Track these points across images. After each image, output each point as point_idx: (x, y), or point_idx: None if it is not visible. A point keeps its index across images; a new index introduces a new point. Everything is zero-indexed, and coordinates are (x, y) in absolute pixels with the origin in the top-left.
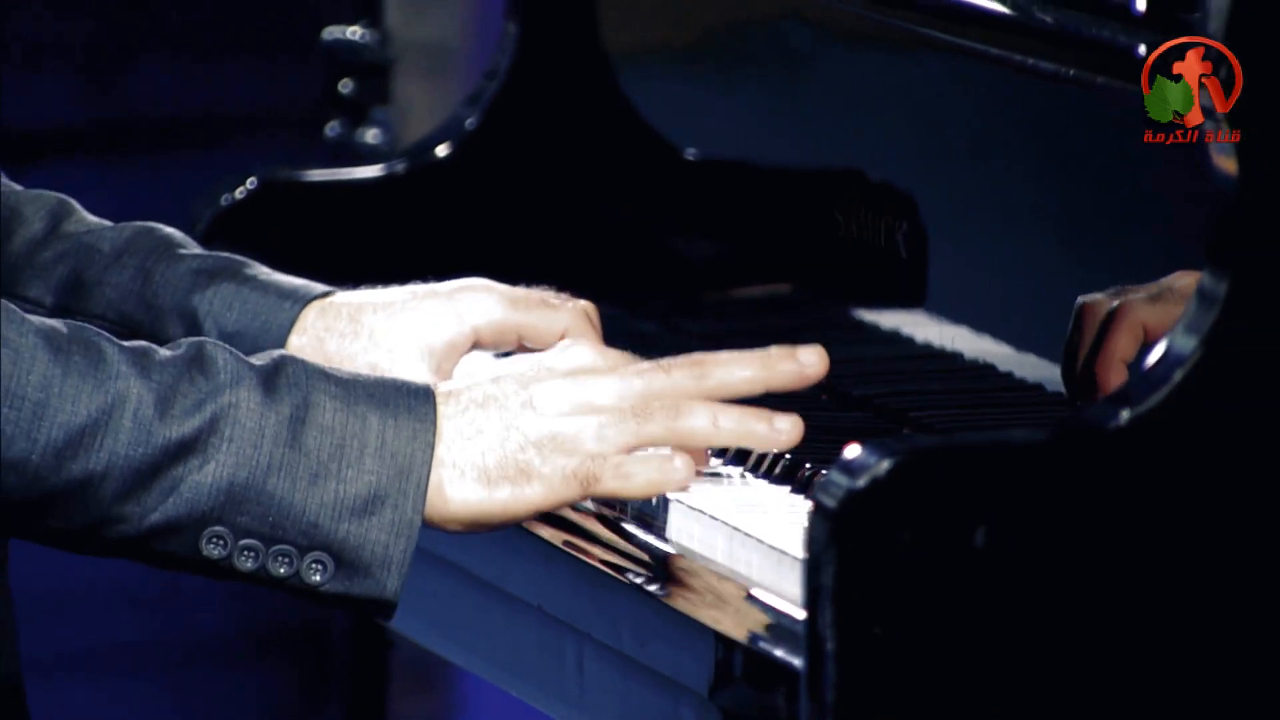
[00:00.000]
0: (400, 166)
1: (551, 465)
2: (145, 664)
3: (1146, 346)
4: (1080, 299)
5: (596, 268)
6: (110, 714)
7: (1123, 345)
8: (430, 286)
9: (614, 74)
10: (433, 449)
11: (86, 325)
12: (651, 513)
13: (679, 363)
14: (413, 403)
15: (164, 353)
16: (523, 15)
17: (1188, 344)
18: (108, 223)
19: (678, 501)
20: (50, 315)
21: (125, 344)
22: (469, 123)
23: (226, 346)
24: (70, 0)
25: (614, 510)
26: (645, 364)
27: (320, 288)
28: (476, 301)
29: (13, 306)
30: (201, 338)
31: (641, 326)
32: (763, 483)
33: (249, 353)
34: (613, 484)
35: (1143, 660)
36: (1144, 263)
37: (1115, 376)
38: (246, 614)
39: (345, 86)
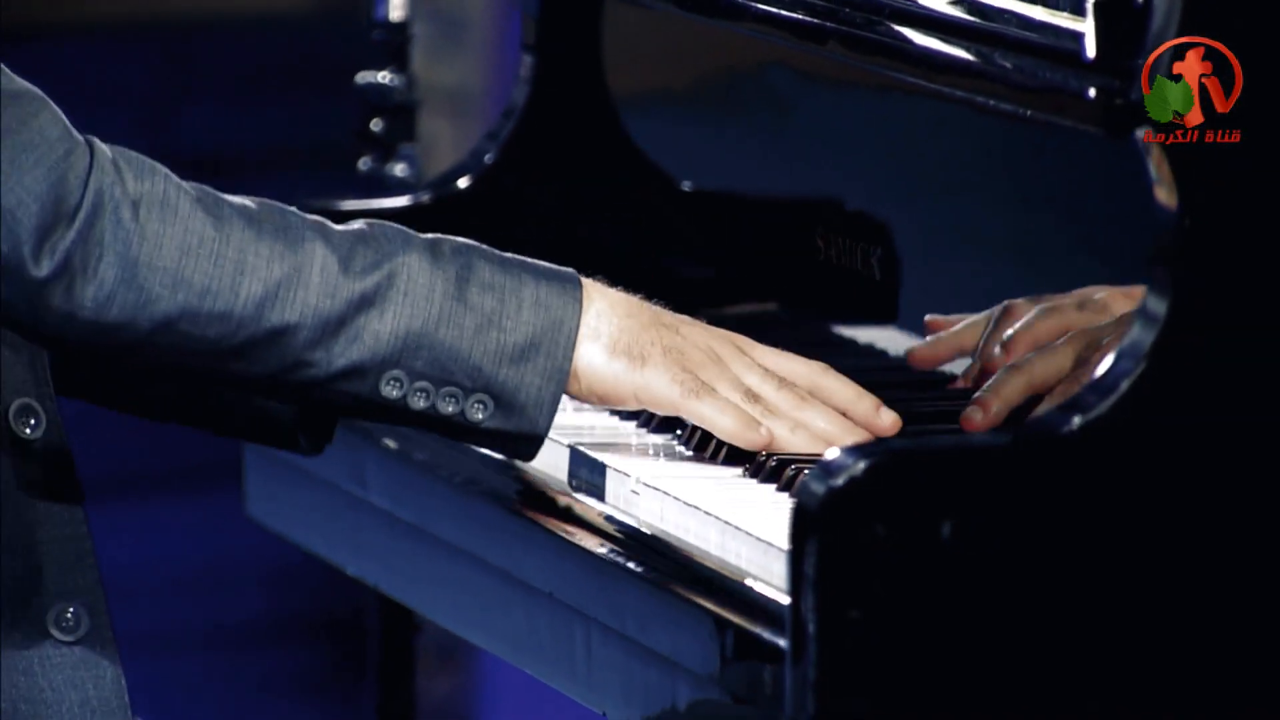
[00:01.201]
0: (425, 196)
1: (667, 365)
2: (199, 645)
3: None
4: (1007, 302)
5: None
6: (168, 691)
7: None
8: None
9: (617, 113)
10: (580, 306)
11: (272, 201)
12: (652, 509)
13: (794, 389)
14: (562, 272)
15: (336, 226)
16: (535, 62)
17: (1133, 358)
18: None
19: (674, 498)
20: None
21: (308, 215)
22: (487, 157)
23: (393, 224)
24: (128, 48)
25: (618, 507)
26: (779, 371)
27: None
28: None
29: (209, 188)
30: (367, 219)
31: None
32: (752, 481)
33: None
34: (707, 409)
35: (1089, 638)
36: (1090, 283)
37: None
38: (289, 600)
39: (376, 125)
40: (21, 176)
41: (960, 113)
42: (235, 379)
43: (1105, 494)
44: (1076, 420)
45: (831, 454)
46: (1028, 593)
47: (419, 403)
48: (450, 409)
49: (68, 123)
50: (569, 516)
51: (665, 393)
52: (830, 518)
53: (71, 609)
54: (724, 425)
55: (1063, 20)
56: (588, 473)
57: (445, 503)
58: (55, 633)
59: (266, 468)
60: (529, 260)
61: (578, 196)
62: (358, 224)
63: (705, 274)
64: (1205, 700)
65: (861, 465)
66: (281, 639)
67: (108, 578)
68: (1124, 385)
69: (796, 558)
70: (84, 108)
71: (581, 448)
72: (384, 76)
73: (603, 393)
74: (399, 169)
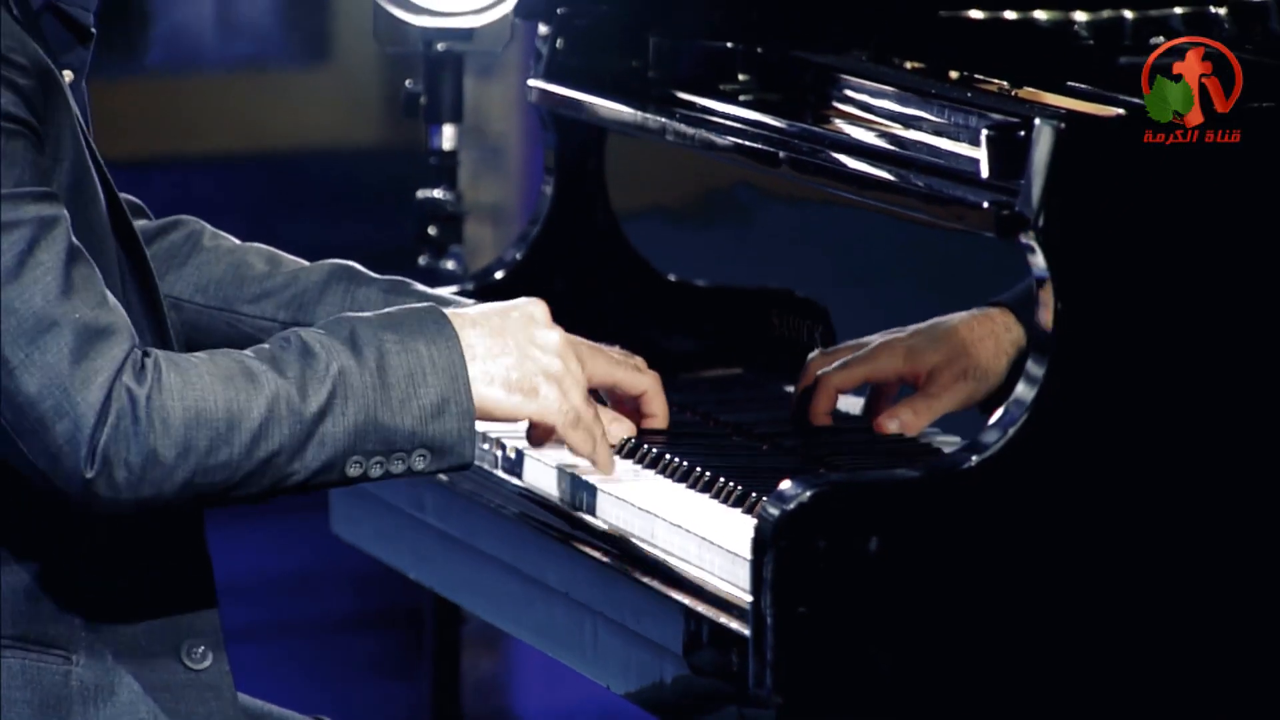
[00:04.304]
0: (470, 286)
1: (552, 392)
2: (294, 633)
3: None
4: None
5: None
6: (263, 672)
7: (821, 402)
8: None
9: (617, 221)
10: (461, 353)
11: (230, 350)
12: (644, 527)
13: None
14: (437, 325)
15: (282, 353)
16: (555, 181)
17: (1019, 409)
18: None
19: (662, 519)
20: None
21: (260, 355)
22: (518, 255)
23: (310, 330)
24: (240, 173)
25: (618, 526)
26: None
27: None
28: (590, 354)
29: (183, 355)
30: (290, 330)
31: None
32: (724, 507)
33: None
34: (580, 439)
35: (986, 625)
36: None
37: (820, 416)
38: (364, 598)
39: (432, 231)
40: (87, 394)
41: (884, 220)
42: (241, 499)
43: (998, 515)
44: (975, 459)
45: (785, 485)
46: (937, 592)
47: (376, 471)
48: (400, 468)
49: (130, 332)
50: (580, 534)
51: (554, 420)
52: (783, 535)
53: (201, 646)
54: (584, 450)
55: (963, 149)
56: (587, 497)
57: (485, 523)
58: (187, 662)
59: (347, 496)
60: (408, 316)
61: (587, 285)
62: (292, 342)
63: (685, 345)
64: (1090, 665)
65: (808, 494)
66: (357, 629)
67: (225, 583)
68: (1011, 431)
69: (757, 566)
70: (205, 220)
71: (603, 485)
72: (438, 193)
73: (504, 418)
74: (450, 265)
